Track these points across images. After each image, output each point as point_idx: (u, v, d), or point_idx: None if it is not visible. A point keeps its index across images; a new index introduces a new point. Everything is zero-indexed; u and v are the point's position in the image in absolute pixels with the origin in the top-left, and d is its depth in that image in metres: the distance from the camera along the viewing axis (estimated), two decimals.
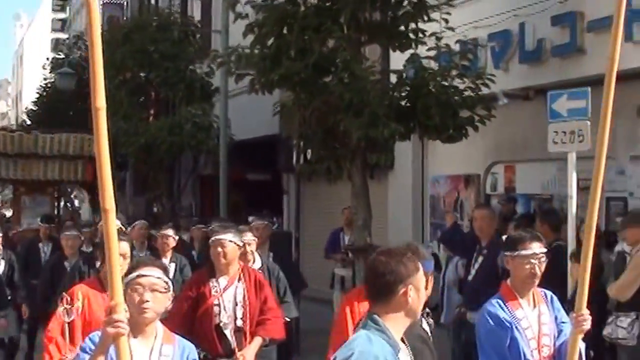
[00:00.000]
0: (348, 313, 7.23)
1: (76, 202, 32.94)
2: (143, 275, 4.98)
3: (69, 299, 6.62)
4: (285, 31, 13.39)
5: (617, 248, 9.90)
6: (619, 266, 9.30)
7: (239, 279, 8.10)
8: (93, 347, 4.68)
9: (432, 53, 13.88)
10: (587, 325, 5.33)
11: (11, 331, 12.76)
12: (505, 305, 5.93)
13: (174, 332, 5.28)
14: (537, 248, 5.98)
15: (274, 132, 21.86)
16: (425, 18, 13.71)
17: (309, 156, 16.15)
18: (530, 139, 14.60)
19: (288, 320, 9.54)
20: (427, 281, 4.46)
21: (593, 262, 8.76)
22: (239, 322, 8.00)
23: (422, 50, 13.98)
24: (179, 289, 8.29)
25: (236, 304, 8.01)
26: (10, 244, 15.72)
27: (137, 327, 4.86)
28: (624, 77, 13.17)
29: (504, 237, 8.11)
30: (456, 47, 14.29)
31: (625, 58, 12.74)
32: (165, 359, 5.01)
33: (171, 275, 7.97)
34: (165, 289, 5.03)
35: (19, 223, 22.64)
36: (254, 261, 9.65)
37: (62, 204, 27.04)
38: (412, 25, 13.76)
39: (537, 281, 5.98)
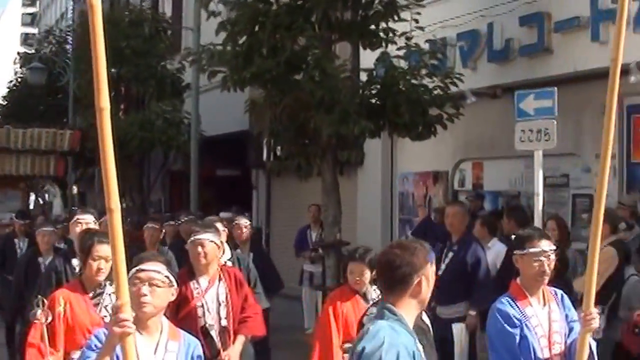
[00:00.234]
0: (331, 313, 7.40)
1: (47, 197, 32.94)
2: (142, 270, 4.93)
3: (44, 301, 6.47)
4: (257, 29, 13.51)
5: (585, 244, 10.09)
6: (585, 262, 9.48)
7: (220, 279, 7.97)
8: (99, 345, 4.68)
9: (402, 52, 14.08)
10: (596, 323, 5.31)
11: None
12: (515, 304, 5.88)
13: None
14: (545, 245, 5.93)
15: (244, 128, 21.95)
16: (396, 18, 13.91)
17: (279, 153, 16.29)
18: (498, 137, 14.79)
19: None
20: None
21: (564, 258, 9.01)
22: (224, 322, 7.88)
23: (392, 49, 14.16)
24: None
25: (219, 304, 7.89)
26: None
27: (138, 322, 4.74)
28: (590, 77, 13.55)
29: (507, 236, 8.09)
30: (426, 47, 14.49)
31: (592, 58, 13.10)
32: (171, 355, 4.94)
33: None
34: (165, 283, 4.96)
35: None
36: (223, 252, 9.59)
37: (33, 198, 27.01)
38: (383, 25, 13.95)
39: (546, 279, 5.94)
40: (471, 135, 16.10)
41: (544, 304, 5.94)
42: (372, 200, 19.11)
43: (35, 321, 6.47)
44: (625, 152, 13.60)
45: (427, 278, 4.35)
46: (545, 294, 5.98)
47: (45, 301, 6.49)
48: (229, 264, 9.23)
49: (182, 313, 7.69)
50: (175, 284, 5.08)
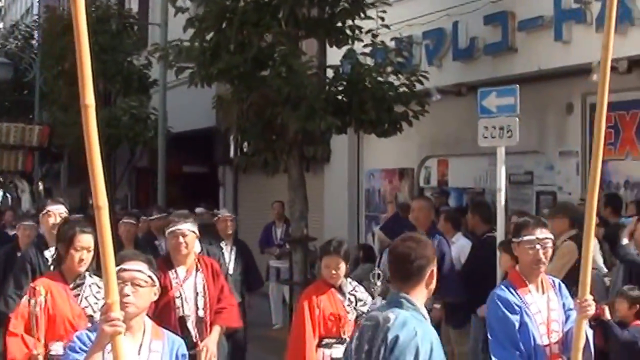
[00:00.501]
0: (306, 308, 7.44)
1: (16, 192, 32.77)
2: (124, 270, 4.81)
3: (34, 290, 6.39)
4: (224, 26, 13.59)
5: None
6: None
7: (197, 269, 7.91)
8: (83, 346, 4.62)
9: (368, 50, 14.20)
10: (592, 310, 5.36)
11: None
12: (515, 291, 5.91)
13: None
14: (540, 233, 5.95)
15: (211, 124, 21.99)
16: (362, 15, 14.02)
17: (245, 149, 16.35)
18: (463, 134, 14.94)
19: None
20: None
21: None
22: (200, 313, 7.83)
23: (358, 47, 14.27)
24: None
25: (197, 295, 7.84)
26: None
27: (125, 324, 4.60)
28: (553, 75, 13.74)
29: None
30: (391, 44, 14.61)
31: (555, 57, 13.27)
32: (155, 355, 4.85)
33: None
34: (148, 282, 4.88)
35: None
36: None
37: (0, 193, 26.90)
38: (349, 22, 14.06)
39: (543, 267, 5.99)
40: (437, 132, 16.22)
41: (543, 292, 5.99)
42: (339, 196, 19.21)
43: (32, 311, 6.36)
44: (589, 150, 13.76)
45: (435, 269, 4.64)
46: (544, 282, 6.03)
47: (34, 289, 6.41)
48: None
49: (160, 304, 7.42)
50: (157, 283, 5.01)
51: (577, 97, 13.81)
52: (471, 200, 15.16)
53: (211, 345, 7.75)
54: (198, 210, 13.61)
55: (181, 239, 7.74)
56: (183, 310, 7.77)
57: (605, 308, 8.42)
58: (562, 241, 9.50)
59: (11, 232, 14.09)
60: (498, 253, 9.58)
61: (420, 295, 4.59)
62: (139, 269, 4.87)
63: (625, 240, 9.08)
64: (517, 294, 5.89)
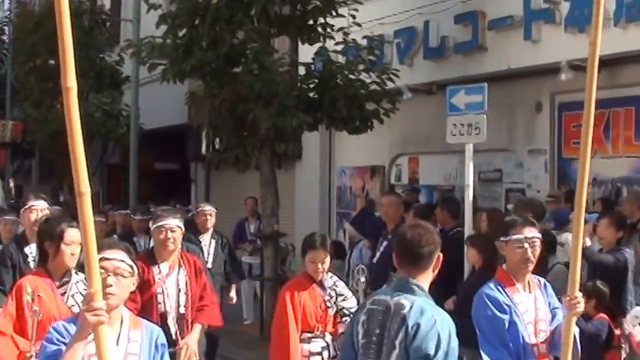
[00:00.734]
0: (288, 302, 7.43)
1: None
2: (106, 259, 4.67)
3: (27, 286, 6.23)
4: (197, 22, 13.65)
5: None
6: None
7: (180, 265, 7.78)
8: (60, 337, 4.51)
9: (340, 47, 14.29)
10: (581, 308, 5.29)
11: None
12: (503, 290, 5.84)
13: None
14: (529, 232, 5.88)
15: (183, 121, 22.02)
16: (334, 13, 14.13)
17: (217, 145, 16.41)
18: (433, 132, 15.01)
19: None
20: None
21: (493, 247, 9.23)
22: (182, 309, 7.69)
23: (330, 44, 14.37)
24: None
25: (179, 291, 7.71)
26: None
27: None
28: (522, 74, 13.89)
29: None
30: (363, 43, 14.70)
31: (524, 56, 13.44)
32: (134, 345, 4.75)
33: None
34: (130, 273, 4.77)
35: None
36: None
37: None
38: (321, 20, 14.16)
39: (531, 266, 5.89)
40: (407, 130, 16.34)
41: (530, 292, 5.92)
42: (310, 193, 19.29)
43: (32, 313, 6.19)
44: (557, 148, 13.95)
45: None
46: (531, 282, 5.97)
47: (29, 287, 6.26)
48: None
49: (143, 298, 7.47)
50: (136, 273, 4.91)
51: (546, 96, 13.97)
52: (441, 197, 15.26)
53: (192, 343, 7.63)
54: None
55: (169, 234, 7.62)
56: (164, 307, 7.64)
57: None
58: None
59: None
60: (465, 248, 9.69)
61: (427, 279, 4.87)
62: (121, 258, 4.75)
63: (588, 241, 9.18)
64: (505, 293, 5.83)
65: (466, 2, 14.41)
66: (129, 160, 22.32)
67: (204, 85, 14.11)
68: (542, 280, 6.10)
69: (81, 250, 6.23)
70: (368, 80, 14.06)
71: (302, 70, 14.19)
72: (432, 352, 4.60)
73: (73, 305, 6.25)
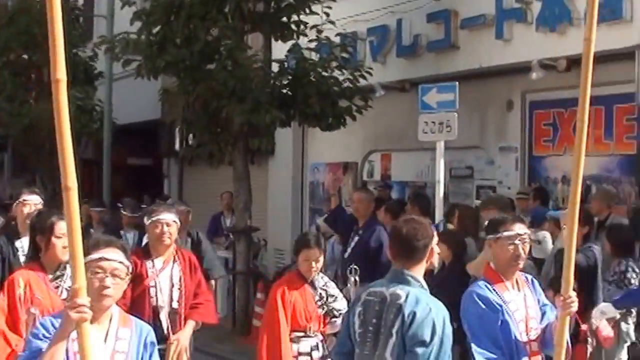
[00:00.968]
0: (279, 299, 7.42)
1: None
2: (105, 259, 4.55)
3: (20, 280, 6.18)
4: (172, 19, 13.70)
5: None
6: (480, 248, 9.88)
7: (174, 260, 7.71)
8: (46, 333, 4.39)
9: (313, 45, 14.38)
10: (575, 307, 5.22)
11: None
12: (493, 288, 5.76)
13: None
14: (519, 229, 5.82)
15: (156, 117, 22.01)
16: (307, 10, 14.21)
17: (190, 141, 16.46)
18: (406, 129, 15.13)
19: None
20: None
21: (463, 242, 9.32)
22: (175, 305, 7.62)
23: (303, 42, 14.46)
24: None
25: (172, 286, 7.63)
26: None
27: (95, 313, 4.35)
28: (494, 73, 14.02)
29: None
30: (336, 40, 14.80)
31: (496, 55, 13.56)
32: (122, 343, 4.63)
33: None
34: (126, 274, 4.64)
35: None
36: None
37: None
38: (295, 17, 14.23)
39: (521, 263, 5.83)
40: (380, 127, 16.44)
41: (519, 290, 5.86)
42: (283, 189, 19.36)
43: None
44: (527, 146, 14.09)
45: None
46: (519, 279, 5.91)
47: (22, 283, 6.19)
48: None
49: (135, 293, 7.40)
50: (130, 272, 4.77)
51: (517, 95, 14.11)
52: (412, 193, 15.37)
53: (183, 339, 7.58)
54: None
55: (165, 229, 7.56)
56: (157, 301, 7.55)
57: None
58: None
59: None
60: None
61: (420, 269, 5.15)
62: (120, 259, 4.60)
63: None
64: (495, 291, 5.75)
65: (439, 0, 14.49)
66: (101, 155, 22.31)
67: (178, 81, 14.16)
68: (530, 277, 6.09)
69: None
70: (341, 78, 14.15)
71: (275, 67, 14.25)
72: (427, 338, 4.89)
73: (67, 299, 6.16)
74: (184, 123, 15.07)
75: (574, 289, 5.11)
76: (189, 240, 12.09)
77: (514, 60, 13.28)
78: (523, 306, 5.81)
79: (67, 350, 4.31)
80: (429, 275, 5.53)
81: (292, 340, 7.45)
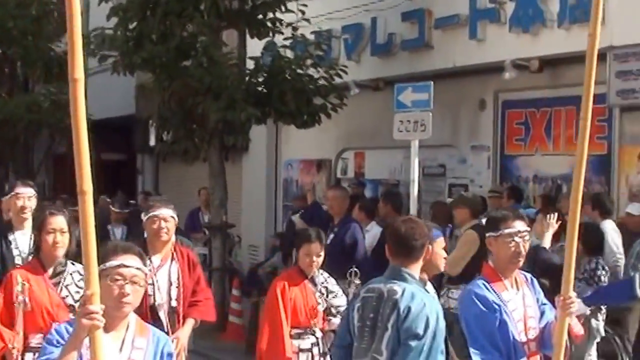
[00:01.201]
0: (279, 296, 7.40)
1: None
2: (124, 266, 4.41)
3: (18, 277, 6.15)
4: (148, 15, 13.72)
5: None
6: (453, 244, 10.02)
7: (172, 258, 7.55)
8: (60, 340, 4.28)
9: (289, 42, 14.45)
10: (575, 308, 5.17)
11: None
12: (491, 287, 5.66)
13: None
14: (520, 226, 5.72)
15: (130, 112, 22.04)
16: (283, 8, 14.26)
17: (165, 137, 16.47)
18: (380, 128, 15.25)
19: None
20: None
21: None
22: (174, 303, 7.46)
23: (279, 39, 14.52)
24: None
25: (170, 284, 7.46)
26: None
27: (111, 321, 4.31)
28: (467, 72, 14.15)
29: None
30: (312, 38, 14.88)
31: (470, 54, 13.70)
32: (138, 353, 4.48)
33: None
34: (144, 282, 4.52)
35: None
36: None
37: None
38: (270, 15, 14.29)
39: (522, 260, 5.72)
40: (354, 125, 16.53)
41: (517, 289, 5.76)
42: (257, 185, 19.44)
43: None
44: (500, 145, 14.24)
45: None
46: (517, 278, 5.81)
47: (18, 277, 6.18)
48: None
49: None
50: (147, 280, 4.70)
51: (490, 94, 14.25)
52: (384, 191, 15.45)
53: (183, 337, 7.45)
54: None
55: (162, 224, 7.40)
56: (155, 299, 7.37)
57: None
58: (464, 230, 9.90)
59: None
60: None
61: (417, 267, 5.40)
62: (138, 266, 4.47)
63: (547, 242, 9.36)
64: (494, 290, 5.65)
65: (413, 0, 14.62)
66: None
67: (154, 77, 14.19)
68: (529, 276, 5.98)
69: (70, 240, 6.30)
70: (316, 76, 14.23)
71: (250, 64, 14.31)
72: (421, 332, 5.13)
73: (67, 296, 6.21)
74: (159, 119, 15.10)
75: (550, 288, 5.21)
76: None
77: (487, 60, 13.42)
78: (522, 305, 5.72)
79: (81, 357, 4.19)
80: (436, 278, 5.94)
81: (292, 337, 7.45)
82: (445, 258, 5.90)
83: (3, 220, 8.65)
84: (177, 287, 7.49)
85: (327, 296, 7.66)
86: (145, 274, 4.54)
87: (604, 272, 9.40)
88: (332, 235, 10.70)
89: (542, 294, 5.91)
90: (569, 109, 12.99)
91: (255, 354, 7.70)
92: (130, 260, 4.44)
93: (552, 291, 5.18)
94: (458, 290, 9.24)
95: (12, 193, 8.21)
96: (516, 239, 5.65)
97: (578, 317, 8.81)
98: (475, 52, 13.61)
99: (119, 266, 4.38)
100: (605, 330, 9.59)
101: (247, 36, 14.60)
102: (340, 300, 7.70)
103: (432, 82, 11.29)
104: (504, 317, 5.59)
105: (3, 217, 8.75)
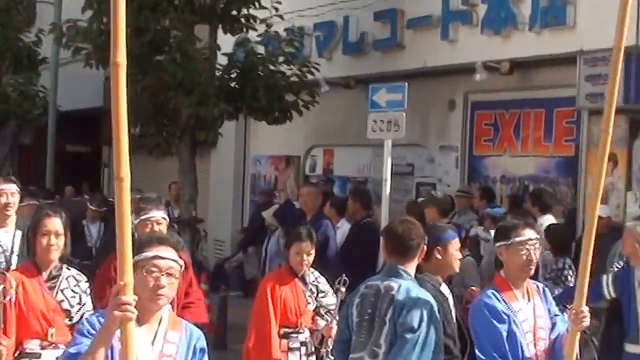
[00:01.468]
0: (269, 295, 7.38)
1: None
2: (160, 257, 4.28)
3: (4, 277, 5.97)
4: None
5: (472, 232, 10.89)
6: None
7: None
8: (90, 329, 4.17)
9: (262, 39, 14.50)
10: (587, 322, 5.11)
11: None
12: (502, 297, 5.62)
13: None
14: (530, 234, 5.68)
15: (99, 104, 21.96)
16: (257, 5, 14.31)
17: (133, 131, 16.45)
18: (349, 125, 15.37)
19: None
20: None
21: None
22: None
23: (252, 35, 14.57)
24: None
25: None
26: None
27: (145, 314, 4.21)
28: (438, 73, 14.28)
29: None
30: (285, 34, 14.98)
31: (441, 55, 13.82)
32: (170, 347, 4.37)
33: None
34: (180, 274, 4.38)
35: None
36: None
37: None
38: (244, 11, 14.34)
39: (533, 268, 5.70)
40: (323, 122, 16.59)
41: (528, 299, 5.71)
42: (225, 180, 19.48)
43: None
44: (468, 145, 14.38)
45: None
46: (529, 287, 5.76)
47: (7, 275, 6.03)
48: None
49: None
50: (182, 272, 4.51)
51: (460, 95, 14.39)
52: (352, 188, 15.53)
53: None
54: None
55: (155, 227, 7.22)
56: None
57: (479, 291, 8.93)
58: None
59: None
60: (382, 240, 9.99)
61: (413, 265, 5.74)
62: (174, 258, 4.34)
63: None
64: (504, 301, 5.61)
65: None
66: (40, 141, 22.18)
67: (126, 71, 14.13)
68: (541, 285, 5.97)
69: (65, 244, 6.16)
70: (288, 72, 14.29)
71: (223, 60, 14.35)
72: (416, 324, 5.47)
73: (62, 301, 6.08)
74: (131, 113, 15.07)
75: None
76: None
77: (458, 61, 13.55)
78: (532, 316, 5.66)
79: (112, 348, 4.08)
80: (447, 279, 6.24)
81: (281, 336, 7.42)
82: (460, 259, 6.16)
83: None
84: None
85: (317, 295, 7.62)
86: (181, 266, 4.37)
87: (570, 272, 9.56)
88: None
89: (554, 304, 5.88)
90: (537, 111, 13.17)
91: (239, 351, 7.68)
92: (166, 252, 4.30)
93: None
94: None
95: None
96: (527, 247, 5.62)
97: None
98: (447, 53, 13.72)
99: (154, 257, 4.26)
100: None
101: (219, 32, 14.62)
102: (330, 300, 7.64)
103: (406, 84, 11.41)
104: (513, 327, 5.55)
105: None
